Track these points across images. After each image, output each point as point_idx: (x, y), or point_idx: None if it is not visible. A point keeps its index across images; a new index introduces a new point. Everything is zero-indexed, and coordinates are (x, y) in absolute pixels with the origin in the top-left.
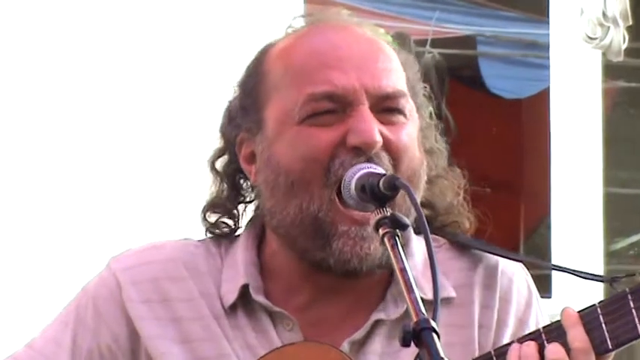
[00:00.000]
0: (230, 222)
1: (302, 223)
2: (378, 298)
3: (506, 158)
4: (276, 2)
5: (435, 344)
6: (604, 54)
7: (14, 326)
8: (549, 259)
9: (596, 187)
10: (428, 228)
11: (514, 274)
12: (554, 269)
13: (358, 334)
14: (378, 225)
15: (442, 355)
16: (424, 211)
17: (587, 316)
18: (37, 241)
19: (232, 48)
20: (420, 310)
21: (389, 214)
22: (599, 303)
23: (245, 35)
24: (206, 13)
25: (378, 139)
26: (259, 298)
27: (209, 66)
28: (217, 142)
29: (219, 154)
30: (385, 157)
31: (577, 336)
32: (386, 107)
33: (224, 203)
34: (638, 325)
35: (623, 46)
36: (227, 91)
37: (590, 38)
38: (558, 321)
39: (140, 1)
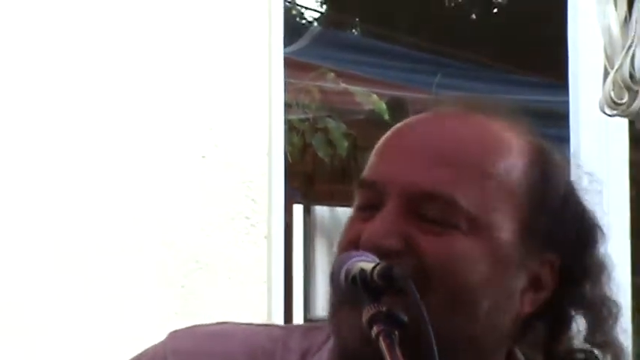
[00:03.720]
0: None
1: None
2: None
3: None
4: None
5: None
6: (632, 122)
7: (14, 326)
8: None
9: (624, 277)
10: (431, 331)
11: None
12: None
13: None
14: (371, 322)
15: None
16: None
17: None
18: (36, 240)
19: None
20: None
21: (384, 309)
22: None
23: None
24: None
25: (381, 239)
26: None
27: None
28: None
29: None
30: (409, 261)
31: None
32: (427, 214)
33: None
34: None
35: None
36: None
37: (616, 104)
38: None
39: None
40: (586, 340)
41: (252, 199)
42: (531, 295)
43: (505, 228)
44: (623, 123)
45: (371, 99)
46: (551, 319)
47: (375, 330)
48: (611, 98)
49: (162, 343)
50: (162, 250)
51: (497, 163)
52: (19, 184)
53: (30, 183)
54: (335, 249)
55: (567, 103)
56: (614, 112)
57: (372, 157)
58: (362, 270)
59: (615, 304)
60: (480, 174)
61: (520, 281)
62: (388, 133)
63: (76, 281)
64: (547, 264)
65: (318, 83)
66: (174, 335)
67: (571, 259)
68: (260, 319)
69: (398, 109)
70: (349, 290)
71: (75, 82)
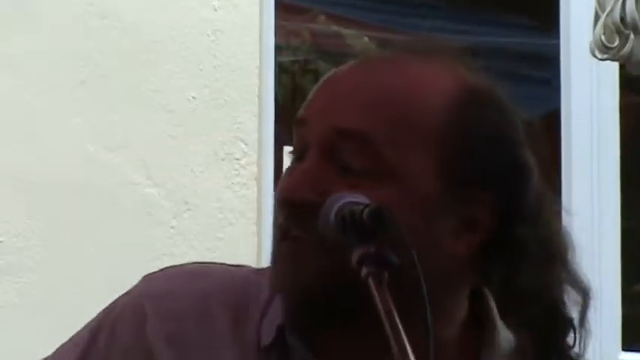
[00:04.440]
0: None
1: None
2: None
3: None
4: None
5: None
6: (622, 66)
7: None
8: None
9: (613, 221)
10: (422, 275)
11: None
12: None
13: None
14: (360, 262)
15: None
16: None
17: None
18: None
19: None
20: (409, 359)
21: (373, 249)
22: None
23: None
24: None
25: (297, 194)
26: (291, 339)
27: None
28: None
29: None
30: (315, 220)
31: None
32: (343, 160)
33: None
34: None
35: None
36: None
37: (607, 48)
38: None
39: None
40: (531, 278)
41: (242, 141)
42: (467, 236)
43: (424, 170)
44: (614, 67)
45: (361, 41)
46: (500, 258)
47: (364, 271)
48: (601, 42)
49: (137, 288)
50: (152, 191)
51: (414, 104)
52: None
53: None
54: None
55: (556, 46)
56: (605, 55)
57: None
58: (351, 211)
59: (563, 243)
60: (395, 114)
61: (449, 224)
62: (323, 77)
63: (66, 221)
64: (480, 203)
65: (309, 25)
66: (148, 279)
67: (507, 198)
68: (250, 260)
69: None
70: (337, 231)
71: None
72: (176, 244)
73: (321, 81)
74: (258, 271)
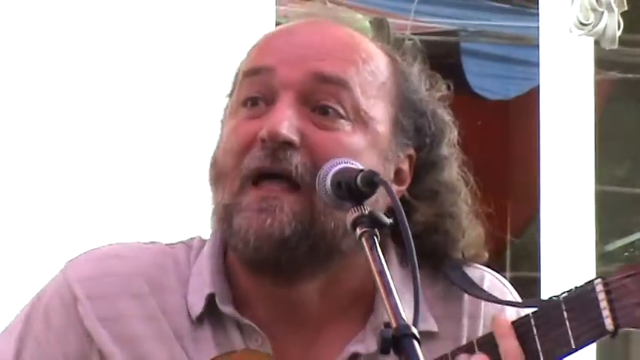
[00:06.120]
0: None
1: (219, 217)
2: (357, 327)
3: (491, 161)
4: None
5: (416, 352)
6: (597, 42)
7: None
8: (538, 262)
9: (588, 185)
10: (408, 226)
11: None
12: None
13: None
14: (355, 224)
15: None
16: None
17: (521, 326)
18: (37, 242)
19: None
20: (400, 316)
21: (367, 212)
22: (533, 313)
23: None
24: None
25: (283, 131)
26: (226, 308)
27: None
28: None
29: None
30: (296, 158)
31: (510, 348)
32: (319, 102)
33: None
34: (571, 337)
35: (618, 34)
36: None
37: (583, 24)
38: (491, 332)
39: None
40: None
41: None
42: (396, 187)
43: (382, 121)
44: (589, 44)
45: (355, 17)
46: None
47: (358, 231)
48: (578, 19)
49: (62, 274)
50: None
51: (372, 60)
52: (19, 184)
53: (30, 183)
54: (221, 157)
55: (537, 29)
56: (581, 32)
57: (252, 53)
58: (346, 176)
59: (458, 187)
60: (361, 67)
61: (390, 173)
62: (266, 34)
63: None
64: (407, 159)
65: (309, 3)
66: (71, 264)
67: (425, 155)
68: None
69: (380, 27)
70: (335, 194)
71: (79, 86)
72: None
73: (265, 36)
74: (171, 245)
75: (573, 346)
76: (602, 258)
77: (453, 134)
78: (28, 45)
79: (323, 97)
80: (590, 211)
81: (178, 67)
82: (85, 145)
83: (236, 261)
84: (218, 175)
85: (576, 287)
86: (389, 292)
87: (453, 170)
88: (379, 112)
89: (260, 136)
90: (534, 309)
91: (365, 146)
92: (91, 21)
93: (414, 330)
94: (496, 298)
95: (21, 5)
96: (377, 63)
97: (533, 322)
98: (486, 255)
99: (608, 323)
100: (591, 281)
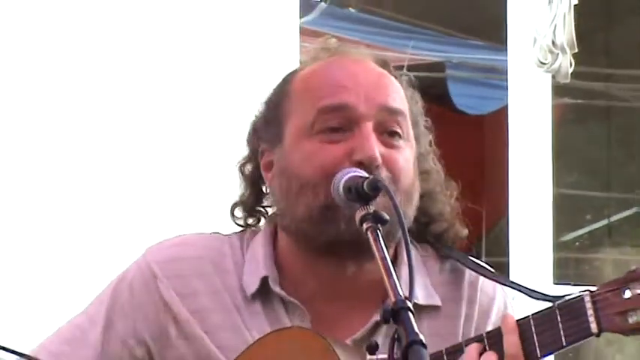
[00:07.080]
0: (252, 220)
1: (311, 215)
2: (380, 298)
3: (469, 166)
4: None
5: (410, 322)
6: (554, 76)
7: (16, 326)
8: (507, 250)
9: (547, 189)
10: (404, 222)
11: (495, 288)
12: (512, 287)
13: (360, 334)
14: (362, 220)
15: (417, 331)
16: (421, 219)
17: (523, 325)
18: (43, 242)
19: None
20: (398, 292)
21: (372, 210)
22: (532, 315)
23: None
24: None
25: (377, 155)
26: (276, 289)
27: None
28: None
29: (245, 160)
30: (384, 173)
31: (512, 342)
32: (388, 129)
33: (247, 202)
34: (562, 336)
35: (570, 70)
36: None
37: (542, 63)
38: (499, 327)
39: (147, 3)
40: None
41: None
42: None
43: (412, 139)
44: (548, 77)
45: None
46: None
47: (364, 226)
48: (538, 59)
49: (143, 257)
50: None
51: (401, 91)
52: (23, 185)
53: (34, 184)
54: (308, 172)
55: (506, 61)
56: (541, 69)
57: (320, 89)
58: (355, 182)
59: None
60: (403, 98)
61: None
62: (321, 70)
63: (84, 281)
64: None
65: (321, 40)
66: (150, 250)
67: (420, 157)
68: None
69: (382, 64)
70: (346, 197)
71: (87, 87)
72: None
73: (325, 75)
74: (228, 235)
75: (564, 344)
76: (558, 247)
77: (430, 137)
78: (31, 45)
79: (390, 125)
80: (548, 209)
81: (204, 93)
82: (94, 144)
83: (293, 247)
84: (302, 186)
85: (570, 298)
86: (389, 274)
87: (434, 172)
88: (411, 133)
89: (357, 159)
90: (533, 309)
91: (413, 158)
92: (97, 19)
93: (409, 304)
94: (497, 275)
95: (21, 5)
96: (403, 93)
97: (532, 322)
98: (466, 232)
99: (594, 327)
100: (581, 294)
